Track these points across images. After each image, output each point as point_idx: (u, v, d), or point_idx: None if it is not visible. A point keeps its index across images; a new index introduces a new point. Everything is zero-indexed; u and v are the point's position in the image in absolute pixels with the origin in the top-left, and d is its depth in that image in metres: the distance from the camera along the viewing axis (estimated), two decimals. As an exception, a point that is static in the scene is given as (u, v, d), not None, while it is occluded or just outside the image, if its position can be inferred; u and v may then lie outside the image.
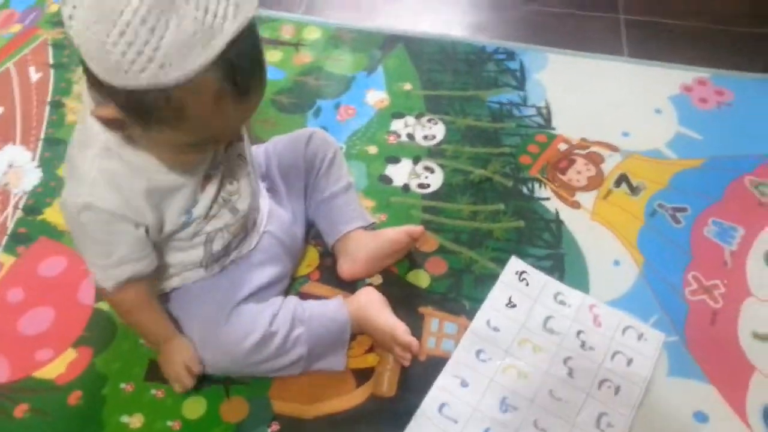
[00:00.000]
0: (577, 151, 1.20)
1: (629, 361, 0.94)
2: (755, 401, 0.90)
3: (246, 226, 0.91)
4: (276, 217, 0.98)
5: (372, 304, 0.95)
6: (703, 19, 1.46)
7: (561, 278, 1.03)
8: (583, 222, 1.10)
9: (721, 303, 1.00)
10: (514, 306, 0.99)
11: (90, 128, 0.73)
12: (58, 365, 0.93)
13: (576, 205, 1.12)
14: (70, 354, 0.95)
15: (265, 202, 0.97)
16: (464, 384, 0.91)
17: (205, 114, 0.64)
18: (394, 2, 1.54)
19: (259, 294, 0.90)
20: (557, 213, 1.11)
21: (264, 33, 1.40)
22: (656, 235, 1.08)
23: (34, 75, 1.32)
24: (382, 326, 0.92)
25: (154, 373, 0.92)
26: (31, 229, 1.09)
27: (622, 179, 1.16)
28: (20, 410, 0.89)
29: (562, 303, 1.00)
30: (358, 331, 0.95)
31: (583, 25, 1.47)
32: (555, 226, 1.09)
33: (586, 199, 1.13)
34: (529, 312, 0.99)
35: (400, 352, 0.92)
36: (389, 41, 1.40)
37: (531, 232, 1.09)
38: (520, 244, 1.07)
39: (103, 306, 0.99)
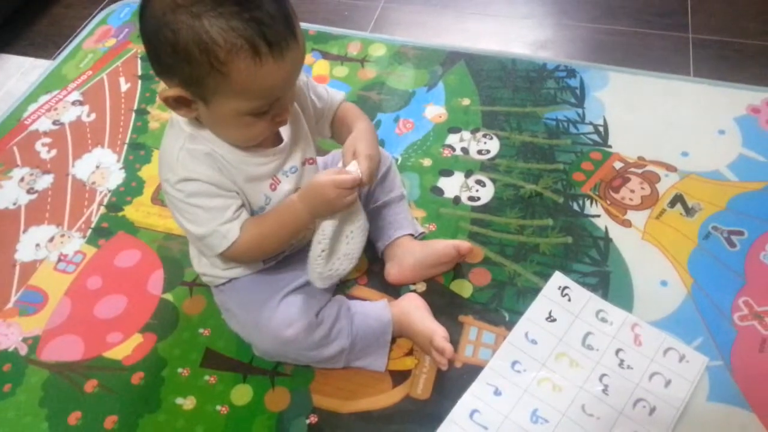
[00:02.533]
0: (632, 169, 1.20)
1: (667, 383, 0.93)
2: (802, 434, 0.87)
3: None
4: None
5: (415, 309, 0.99)
6: (777, 39, 1.42)
7: (605, 296, 1.03)
8: (632, 241, 1.10)
9: (773, 330, 0.97)
10: (554, 320, 1.01)
11: (176, 124, 0.84)
12: (125, 348, 1.03)
13: (627, 224, 1.12)
14: (137, 338, 1.04)
15: None
16: (497, 393, 0.94)
17: (248, 75, 0.72)
18: (459, 21, 1.58)
19: (309, 287, 0.96)
20: (606, 230, 1.11)
21: (332, 50, 1.49)
22: (709, 258, 1.06)
23: (124, 85, 1.45)
24: (423, 330, 0.96)
25: (209, 360, 1.00)
26: (112, 224, 1.20)
27: (678, 199, 1.15)
28: (90, 385, 0.99)
29: (603, 320, 1.00)
30: (399, 334, 0.99)
31: (650, 44, 1.45)
32: (603, 243, 1.10)
33: (638, 218, 1.13)
34: (569, 327, 1.00)
35: (437, 357, 0.95)
36: (451, 58, 1.44)
37: (578, 248, 1.09)
38: (566, 260, 1.08)
39: (169, 296, 1.09)
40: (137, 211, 1.22)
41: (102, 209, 1.23)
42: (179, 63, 0.73)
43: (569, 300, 1.03)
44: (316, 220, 0.87)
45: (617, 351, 0.97)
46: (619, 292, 1.03)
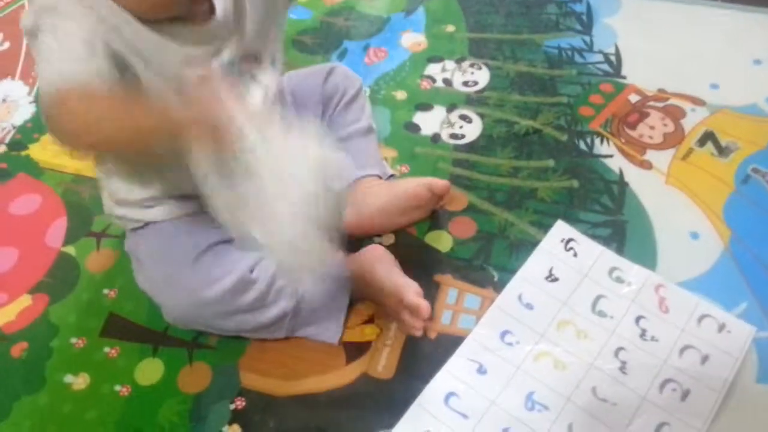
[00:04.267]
0: (651, 103, 0.98)
1: (704, 359, 0.71)
2: None
3: None
4: None
5: (379, 263, 0.78)
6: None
7: (620, 251, 0.81)
8: (654, 185, 0.88)
9: (835, 293, 0.75)
10: (555, 280, 0.79)
11: None
12: (8, 312, 0.81)
13: (646, 165, 0.90)
14: (25, 300, 0.82)
15: None
16: (482, 371, 0.72)
17: None
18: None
19: None
20: (621, 173, 0.89)
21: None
22: (749, 205, 0.85)
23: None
24: (389, 286, 0.75)
25: (112, 328, 0.78)
26: (12, 165, 0.98)
27: (708, 137, 0.93)
28: (-44, 358, 0.77)
29: (619, 280, 0.78)
30: (359, 296, 0.77)
31: (669, -31, 1.23)
32: (617, 188, 0.88)
33: (660, 158, 0.91)
34: (576, 289, 0.78)
35: (409, 319, 0.73)
36: (435, -20, 1.21)
37: (585, 194, 0.88)
38: (571, 208, 0.86)
39: (71, 249, 0.86)
40: (44, 150, 0.99)
41: (2, 147, 1.00)
42: None
43: (575, 255, 0.81)
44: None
45: (638, 319, 0.75)
46: (638, 247, 0.81)
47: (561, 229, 0.84)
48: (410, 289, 0.74)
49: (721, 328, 0.74)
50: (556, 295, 0.78)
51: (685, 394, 0.69)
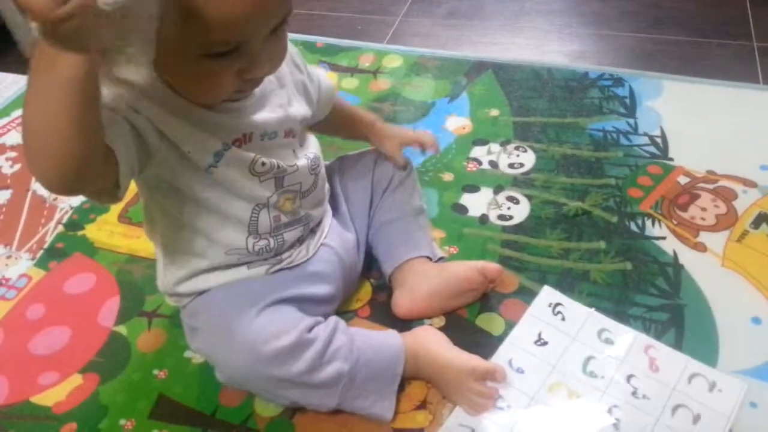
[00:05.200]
0: (701, 184, 0.97)
1: (696, 418, 0.71)
2: None
3: (300, 215, 0.77)
4: (338, 233, 0.83)
5: (434, 340, 0.77)
6: None
7: (680, 336, 0.79)
8: (710, 268, 0.86)
9: None
10: (544, 343, 0.79)
11: None
12: (59, 391, 0.80)
13: (701, 248, 0.89)
14: (76, 380, 0.81)
15: (328, 213, 0.83)
16: None
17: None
18: (486, 35, 1.41)
19: (302, 304, 0.74)
20: (675, 255, 0.88)
21: (341, 61, 1.31)
22: (813, 289, 0.82)
23: (107, 98, 1.29)
24: (451, 359, 0.73)
25: (162, 410, 0.77)
26: (68, 245, 1.00)
27: (763, 219, 0.91)
28: (7, 439, 0.77)
29: (608, 342, 0.79)
30: (413, 372, 0.75)
31: (708, 53, 1.26)
32: (672, 270, 0.86)
33: (713, 240, 0.89)
34: (565, 351, 0.78)
35: (481, 388, 0.71)
36: (476, 68, 1.25)
37: (640, 276, 0.86)
38: (626, 290, 0.84)
39: (122, 329, 0.87)
40: (99, 230, 1.02)
41: (60, 228, 1.03)
42: None
43: (563, 319, 0.81)
44: None
45: (629, 377, 0.75)
46: (697, 332, 0.79)
47: (548, 294, 0.84)
48: (478, 359, 0.72)
49: (712, 386, 0.73)
50: (546, 358, 0.77)
51: None
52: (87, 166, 0.53)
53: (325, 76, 0.84)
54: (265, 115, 0.71)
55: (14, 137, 1.23)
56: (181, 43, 0.57)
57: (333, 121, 0.87)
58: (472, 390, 0.72)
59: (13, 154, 1.19)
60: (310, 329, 0.70)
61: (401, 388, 0.75)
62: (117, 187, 0.60)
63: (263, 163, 0.70)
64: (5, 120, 1.27)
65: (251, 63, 0.61)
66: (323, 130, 0.88)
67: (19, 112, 1.28)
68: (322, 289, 0.78)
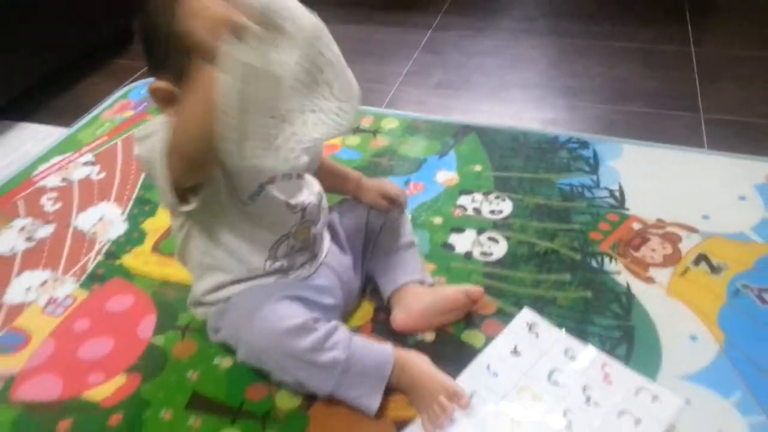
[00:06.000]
0: (652, 230, 1.15)
1: (637, 422, 0.85)
2: None
3: (309, 242, 0.93)
4: (335, 255, 0.99)
5: (421, 360, 0.91)
6: (789, 119, 1.43)
7: (629, 350, 0.95)
8: (657, 297, 1.03)
9: (821, 387, 0.88)
10: (518, 354, 0.95)
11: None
12: (106, 389, 0.94)
13: (650, 281, 1.06)
14: (120, 380, 0.95)
15: (327, 239, 0.99)
16: (451, 423, 0.86)
17: None
18: (471, 103, 1.61)
19: (310, 305, 0.89)
20: (628, 286, 1.05)
21: (346, 121, 1.50)
22: (740, 314, 0.99)
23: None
24: (432, 376, 0.88)
25: (196, 403, 0.91)
26: (108, 271, 1.15)
27: (702, 258, 1.09)
28: (63, 426, 0.90)
29: (572, 358, 0.94)
30: (396, 381, 0.88)
31: (662, 123, 1.46)
32: (625, 298, 1.03)
33: (661, 275, 1.06)
34: (535, 363, 0.94)
35: (444, 401, 0.85)
36: (462, 130, 1.45)
37: (598, 302, 1.02)
38: (586, 314, 1.01)
39: (159, 340, 1.01)
40: (135, 259, 1.17)
41: (99, 257, 1.19)
42: (170, 56, 0.73)
43: (537, 336, 0.97)
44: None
45: (584, 388, 0.90)
46: (645, 346, 0.95)
47: (526, 314, 1.01)
48: (453, 381, 0.87)
49: (654, 398, 0.88)
50: (518, 366, 0.93)
51: None
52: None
53: None
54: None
55: (53, 180, 1.39)
56: None
57: (324, 177, 1.02)
58: (438, 402, 0.85)
59: (54, 194, 1.35)
60: (316, 321, 0.86)
61: (395, 391, 0.89)
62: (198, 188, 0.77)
63: (293, 201, 0.88)
64: (45, 165, 1.44)
65: None
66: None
67: (56, 158, 1.45)
68: (324, 299, 0.94)
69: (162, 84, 0.76)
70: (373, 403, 0.86)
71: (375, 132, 1.47)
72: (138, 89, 1.70)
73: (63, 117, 1.64)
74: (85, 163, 1.43)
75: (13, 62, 1.60)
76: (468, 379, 0.91)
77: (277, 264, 0.91)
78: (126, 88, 1.71)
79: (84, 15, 1.80)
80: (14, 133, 1.60)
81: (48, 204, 1.33)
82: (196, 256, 0.91)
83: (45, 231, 1.25)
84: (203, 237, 0.89)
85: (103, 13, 1.87)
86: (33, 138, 1.57)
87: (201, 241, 0.89)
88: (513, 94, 1.64)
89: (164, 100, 0.77)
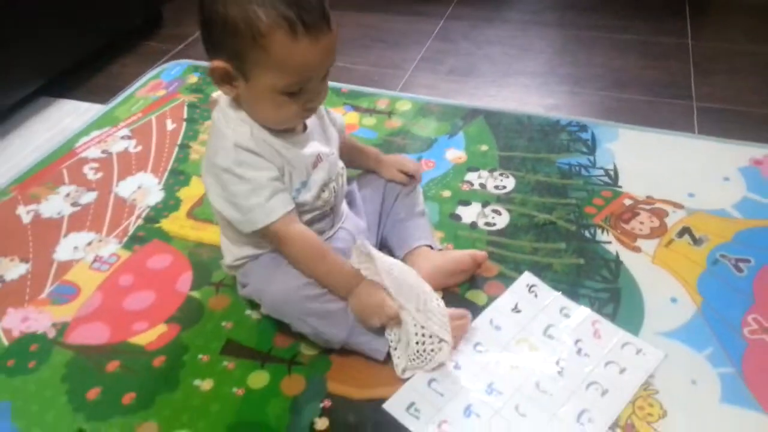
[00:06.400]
0: (641, 206, 1.26)
1: (622, 370, 0.97)
2: (816, 434, 0.87)
3: (329, 212, 1.05)
4: (352, 220, 1.11)
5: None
6: (776, 108, 1.53)
7: (616, 309, 1.06)
8: (643, 264, 1.14)
9: (783, 344, 0.99)
10: (519, 311, 1.07)
11: (227, 113, 0.94)
12: (150, 335, 1.07)
13: (637, 250, 1.17)
14: (162, 328, 1.08)
15: (345, 205, 1.11)
16: (457, 367, 0.99)
17: (285, 49, 0.83)
18: (479, 88, 1.72)
19: None
20: (617, 255, 1.16)
21: (362, 104, 1.62)
22: (717, 280, 1.10)
23: (170, 125, 1.58)
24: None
25: (229, 349, 1.03)
26: (148, 233, 1.28)
27: (685, 231, 1.20)
28: (112, 366, 1.02)
29: (566, 316, 1.06)
30: None
31: (657, 110, 1.57)
32: (614, 265, 1.14)
33: (647, 245, 1.18)
34: (533, 318, 1.06)
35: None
36: (471, 113, 1.56)
37: (590, 268, 1.14)
38: (578, 278, 1.12)
39: (196, 294, 1.13)
40: (172, 224, 1.29)
41: (140, 221, 1.31)
42: (227, 37, 0.85)
43: (536, 296, 1.09)
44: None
45: (576, 341, 1.02)
46: (630, 306, 1.06)
47: (527, 277, 1.13)
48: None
49: (638, 351, 0.99)
50: (518, 321, 1.05)
51: (604, 393, 0.94)
52: None
53: (340, 116, 1.15)
54: (318, 141, 1.01)
55: (94, 152, 1.51)
56: (270, 88, 0.87)
57: (346, 153, 1.14)
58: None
59: (95, 164, 1.47)
60: None
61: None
62: None
63: (328, 180, 1.02)
64: (86, 138, 1.56)
65: (312, 97, 0.92)
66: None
67: (95, 132, 1.57)
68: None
69: (219, 63, 0.88)
70: (382, 347, 0.98)
71: (390, 113, 1.58)
72: (168, 70, 1.81)
73: (100, 94, 1.76)
74: (123, 137, 1.55)
75: (52, 45, 1.71)
76: (473, 330, 1.03)
77: None
78: (158, 69, 1.82)
79: (116, 1, 1.92)
80: (55, 108, 1.72)
81: (90, 173, 1.45)
82: (236, 232, 1.02)
83: (88, 197, 1.38)
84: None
85: (135, -1, 1.98)
86: (72, 113, 1.69)
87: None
88: (519, 80, 1.74)
89: (220, 78, 0.89)
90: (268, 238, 0.98)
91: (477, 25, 2.03)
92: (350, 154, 1.17)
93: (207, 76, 0.92)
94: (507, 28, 2.01)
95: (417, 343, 0.94)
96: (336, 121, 1.12)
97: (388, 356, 0.98)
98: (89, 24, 1.83)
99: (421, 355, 0.95)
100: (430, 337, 0.95)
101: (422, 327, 0.94)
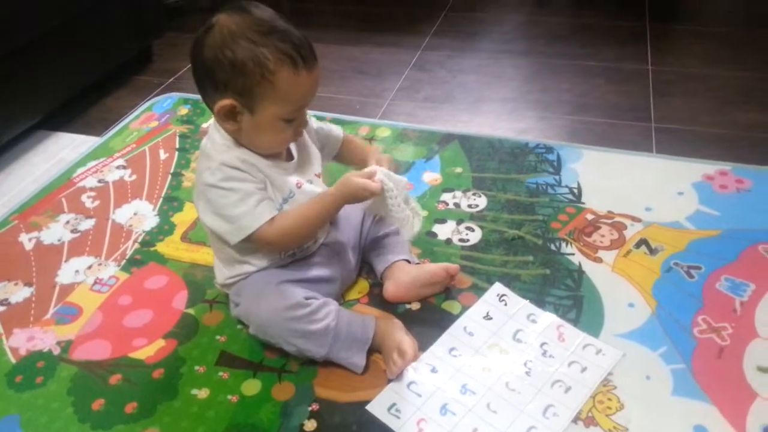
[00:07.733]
0: (602, 220, 1.37)
1: (583, 369, 1.07)
2: (756, 421, 0.97)
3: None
4: (334, 236, 1.20)
5: (394, 326, 1.11)
6: (727, 128, 1.65)
7: (578, 314, 1.16)
8: (603, 273, 1.24)
9: (729, 341, 1.09)
10: (490, 319, 1.16)
11: (214, 139, 1.04)
12: (149, 350, 1.15)
13: (598, 260, 1.27)
14: (160, 342, 1.16)
15: (326, 224, 1.20)
16: (434, 370, 1.07)
17: (289, 82, 0.95)
18: (453, 115, 1.83)
19: (307, 284, 1.10)
20: (580, 265, 1.26)
21: (345, 131, 1.71)
22: (670, 286, 1.20)
23: (163, 155, 1.68)
24: (391, 334, 1.09)
25: (224, 360, 1.12)
26: (144, 257, 1.36)
27: (642, 242, 1.30)
28: (114, 379, 1.10)
29: (533, 321, 1.16)
30: (375, 344, 1.08)
31: (618, 131, 1.69)
32: (577, 274, 1.24)
33: (607, 256, 1.28)
34: (503, 325, 1.15)
35: (396, 358, 1.05)
36: (446, 138, 1.67)
37: (555, 278, 1.24)
38: (544, 287, 1.22)
39: (191, 311, 1.22)
40: (167, 247, 1.38)
41: (136, 245, 1.39)
42: (235, 77, 0.96)
43: (506, 305, 1.19)
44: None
45: (542, 344, 1.11)
46: (591, 311, 1.16)
47: (497, 287, 1.22)
48: (406, 341, 1.07)
49: (599, 351, 1.09)
50: (489, 328, 1.14)
51: (568, 389, 1.03)
52: None
53: (336, 129, 1.26)
54: (299, 171, 1.11)
55: (91, 181, 1.60)
56: (274, 117, 0.99)
57: (347, 155, 1.27)
58: (392, 358, 1.05)
59: (93, 193, 1.56)
60: (309, 298, 1.06)
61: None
62: None
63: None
64: (83, 168, 1.65)
65: (301, 122, 1.03)
66: (338, 161, 1.29)
67: (92, 163, 1.66)
68: (321, 272, 1.15)
69: (227, 101, 0.98)
70: (360, 361, 1.07)
71: (371, 139, 1.69)
72: (160, 102, 1.91)
73: (95, 127, 1.85)
74: (118, 167, 1.64)
75: (49, 81, 1.81)
76: (448, 337, 1.12)
77: (290, 251, 1.13)
78: (150, 102, 1.92)
79: (109, 38, 2.02)
80: (52, 141, 1.81)
81: (88, 201, 1.53)
82: (227, 252, 1.11)
83: (87, 224, 1.46)
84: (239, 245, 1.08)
85: (126, 36, 2.08)
86: (69, 146, 1.78)
87: (236, 247, 1.09)
88: (491, 106, 1.86)
89: (225, 115, 1.00)
90: (259, 244, 1.06)
91: (452, 55, 2.16)
92: (350, 154, 1.28)
93: (214, 114, 1.02)
94: (480, 57, 2.14)
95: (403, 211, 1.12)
96: (332, 132, 1.24)
97: (366, 368, 1.07)
98: (84, 60, 1.93)
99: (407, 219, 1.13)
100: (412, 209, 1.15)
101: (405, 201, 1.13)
